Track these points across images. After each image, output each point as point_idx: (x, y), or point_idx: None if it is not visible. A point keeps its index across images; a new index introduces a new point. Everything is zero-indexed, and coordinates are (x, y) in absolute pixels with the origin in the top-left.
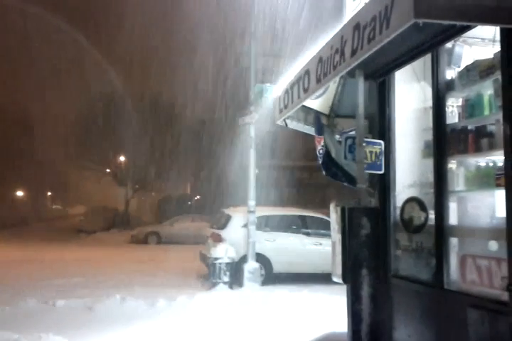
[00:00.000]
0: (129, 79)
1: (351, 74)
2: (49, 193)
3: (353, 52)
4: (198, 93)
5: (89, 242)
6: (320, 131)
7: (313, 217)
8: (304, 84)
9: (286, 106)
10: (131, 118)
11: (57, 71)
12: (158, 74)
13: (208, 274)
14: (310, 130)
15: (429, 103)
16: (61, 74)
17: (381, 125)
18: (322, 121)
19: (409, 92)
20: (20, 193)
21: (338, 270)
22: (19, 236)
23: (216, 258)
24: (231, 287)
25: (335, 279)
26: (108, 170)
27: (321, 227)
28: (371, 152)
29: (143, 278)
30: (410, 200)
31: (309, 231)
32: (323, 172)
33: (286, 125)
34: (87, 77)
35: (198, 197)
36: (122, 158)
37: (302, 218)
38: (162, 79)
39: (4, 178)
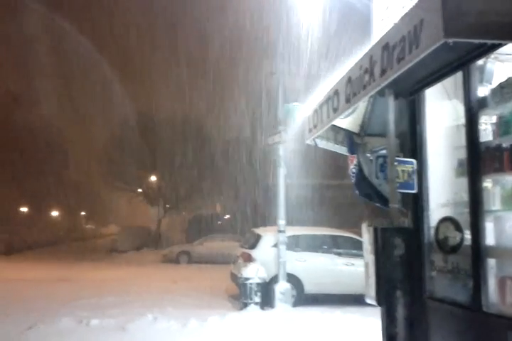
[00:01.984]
0: (159, 101)
1: (381, 93)
2: (83, 213)
3: (383, 72)
4: (227, 113)
5: (122, 261)
6: (352, 149)
7: (344, 236)
8: (333, 104)
9: (315, 126)
10: (163, 138)
11: (89, 92)
12: (187, 95)
13: (239, 294)
14: (340, 149)
15: (462, 121)
16: (93, 96)
17: (413, 143)
18: (354, 140)
19: (441, 110)
20: (55, 213)
21: (372, 291)
22: (54, 256)
23: (247, 278)
24: (262, 308)
25: (368, 301)
26: (140, 190)
27: (352, 247)
28: (403, 171)
29: (174, 297)
30: (445, 220)
31: (341, 251)
32: (357, 192)
33: (316, 144)
34: (119, 99)
35: (228, 216)
36: (154, 178)
37: (333, 238)
38: (191, 100)
39: (40, 199)
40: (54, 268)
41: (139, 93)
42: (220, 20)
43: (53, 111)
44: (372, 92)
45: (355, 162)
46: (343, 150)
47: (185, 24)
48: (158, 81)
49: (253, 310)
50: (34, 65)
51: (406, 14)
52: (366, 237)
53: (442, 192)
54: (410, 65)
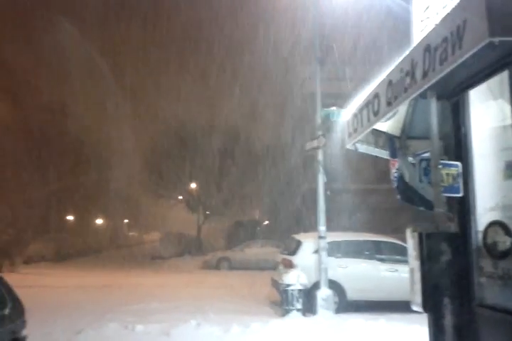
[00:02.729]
0: (199, 109)
1: (423, 95)
2: (126, 220)
3: (425, 74)
4: (265, 119)
5: (165, 268)
6: (394, 153)
7: (387, 242)
8: (374, 107)
9: (355, 130)
10: (203, 146)
11: (131, 101)
12: (225, 101)
13: (281, 301)
14: (381, 153)
15: (509, 121)
16: (135, 105)
17: (457, 146)
18: (395, 144)
19: (486, 111)
20: (99, 221)
21: (418, 298)
22: (99, 263)
23: (288, 285)
24: (304, 314)
25: (414, 308)
26: (180, 197)
27: (396, 253)
28: (448, 174)
29: (216, 303)
30: (493, 224)
31: (384, 257)
32: (398, 197)
33: (357, 149)
34: (160, 107)
35: (267, 222)
36: (194, 185)
37: (376, 243)
38: (230, 107)
39: (85, 207)
40: (99, 274)
41: (179, 102)
42: (256, 27)
43: (97, 121)
44: (414, 95)
45: (396, 166)
46: (384, 154)
47: (219, 32)
48: (198, 90)
49: (295, 316)
50: (76, 75)
51: (448, 15)
52: (411, 243)
53: (489, 195)
54: (453, 66)
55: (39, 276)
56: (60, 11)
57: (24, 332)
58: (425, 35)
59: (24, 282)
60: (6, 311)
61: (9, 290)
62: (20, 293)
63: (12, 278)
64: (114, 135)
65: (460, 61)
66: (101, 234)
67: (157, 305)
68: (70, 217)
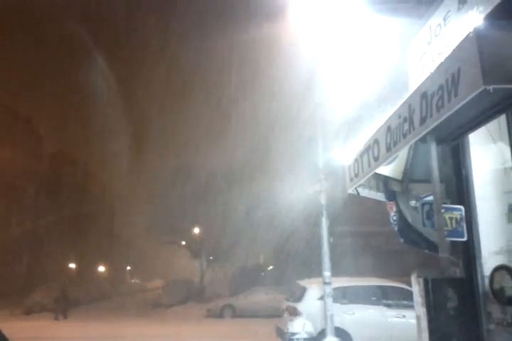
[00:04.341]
0: (201, 152)
1: (422, 140)
2: (128, 268)
3: (422, 121)
4: (267, 163)
5: (167, 317)
6: (390, 196)
7: (394, 287)
8: (374, 153)
9: (356, 175)
10: (204, 190)
11: (131, 147)
12: (227, 145)
13: None
14: (383, 197)
15: (509, 164)
16: (138, 152)
17: (459, 189)
18: (392, 187)
19: (486, 154)
20: (101, 268)
21: None
22: (100, 311)
23: (293, 334)
24: None
25: None
26: (183, 243)
27: (403, 298)
28: (451, 218)
29: None
30: (499, 269)
31: (391, 302)
32: (401, 240)
33: (358, 193)
34: (162, 153)
35: (272, 267)
36: (197, 231)
37: (382, 288)
38: (232, 151)
39: (86, 255)
40: (100, 324)
41: (181, 147)
42: (253, 71)
43: (98, 168)
44: (413, 141)
45: (394, 209)
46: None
47: (214, 68)
48: (201, 134)
49: None
50: (85, 125)
51: (443, 63)
52: (416, 289)
53: (494, 239)
54: (450, 112)
55: (40, 328)
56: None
57: None
58: (421, 82)
59: (24, 334)
60: None
61: None
62: None
63: (12, 330)
64: (117, 181)
65: (456, 108)
66: (103, 282)
67: None
68: (72, 265)
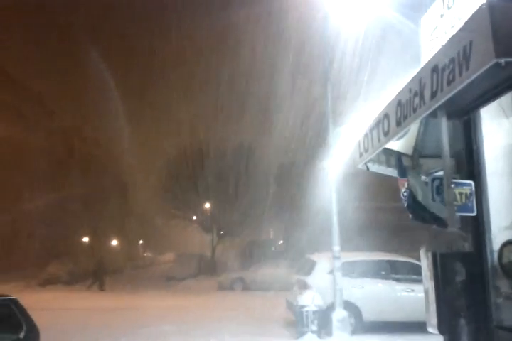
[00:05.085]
0: (210, 127)
1: (433, 114)
2: (140, 242)
3: (433, 95)
4: (278, 139)
5: (179, 289)
6: (403, 172)
7: (403, 261)
8: (384, 127)
9: (366, 150)
10: (216, 166)
11: (145, 123)
12: (238, 120)
13: (296, 322)
14: (393, 172)
15: None
16: (149, 127)
17: (469, 164)
18: (404, 163)
19: (498, 129)
20: (114, 242)
21: (433, 320)
22: (114, 284)
23: (303, 306)
24: (320, 336)
25: (430, 330)
26: (194, 218)
27: (412, 273)
28: (461, 193)
29: (232, 326)
30: (508, 243)
31: (400, 276)
32: (410, 216)
33: (368, 168)
34: (175, 128)
35: (281, 241)
36: (208, 206)
37: (391, 263)
38: (243, 126)
39: (99, 229)
40: (114, 296)
41: (193, 122)
42: (267, 46)
43: (112, 142)
44: (424, 115)
45: (406, 185)
46: (395, 173)
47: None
48: (210, 108)
49: (310, 338)
50: (97, 101)
51: (454, 36)
52: (425, 263)
53: (504, 214)
54: (461, 86)
55: (54, 299)
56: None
57: None
58: (433, 55)
59: (39, 305)
60: (22, 335)
61: (24, 314)
62: (35, 315)
63: (27, 301)
64: (130, 156)
65: (467, 81)
66: (116, 255)
67: (172, 327)
68: (86, 239)
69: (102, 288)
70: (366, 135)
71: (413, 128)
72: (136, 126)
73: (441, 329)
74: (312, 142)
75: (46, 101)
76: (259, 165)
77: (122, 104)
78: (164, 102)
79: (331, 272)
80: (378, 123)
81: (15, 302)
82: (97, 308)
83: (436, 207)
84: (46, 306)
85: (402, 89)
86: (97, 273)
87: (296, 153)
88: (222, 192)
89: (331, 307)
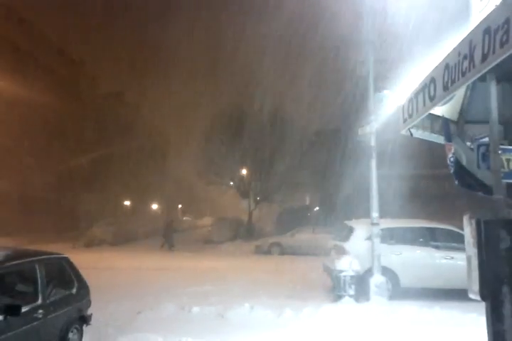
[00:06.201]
0: (249, 94)
1: (482, 78)
2: (179, 206)
3: (484, 58)
4: (317, 105)
5: (217, 252)
6: (450, 137)
7: (443, 229)
8: (430, 92)
9: (410, 116)
10: (254, 132)
11: (182, 89)
12: (277, 86)
13: (333, 286)
14: (437, 138)
15: None
16: (187, 93)
17: None
18: (451, 127)
19: None
20: (155, 206)
21: (475, 286)
22: (155, 246)
23: (340, 271)
24: (357, 300)
25: (471, 296)
26: (232, 183)
27: (452, 240)
28: (508, 160)
29: (269, 288)
30: None
31: (439, 244)
32: (456, 183)
33: (411, 134)
34: (213, 93)
35: (317, 208)
36: (244, 172)
37: (431, 230)
38: (281, 92)
39: (140, 193)
40: (156, 257)
41: (232, 87)
42: (307, 7)
43: (152, 109)
44: (473, 79)
45: (452, 151)
46: (440, 139)
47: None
48: (250, 74)
49: (347, 302)
50: (137, 64)
51: None
52: (468, 230)
53: None
54: None
55: (99, 259)
56: None
57: (89, 311)
58: (485, 16)
59: (86, 264)
60: (74, 291)
61: (76, 271)
62: (83, 274)
63: (75, 260)
64: (168, 123)
65: None
66: (157, 219)
67: (211, 288)
68: (128, 202)
69: (171, 248)
70: (411, 100)
71: (459, 93)
72: (176, 93)
73: (484, 296)
74: (351, 108)
75: (89, 67)
76: (296, 131)
77: (163, 70)
78: (203, 68)
79: (369, 238)
80: (424, 87)
81: (66, 260)
82: (139, 268)
83: (481, 174)
84: (92, 265)
85: (450, 52)
86: (166, 234)
87: (334, 119)
88: (259, 159)
89: (368, 273)
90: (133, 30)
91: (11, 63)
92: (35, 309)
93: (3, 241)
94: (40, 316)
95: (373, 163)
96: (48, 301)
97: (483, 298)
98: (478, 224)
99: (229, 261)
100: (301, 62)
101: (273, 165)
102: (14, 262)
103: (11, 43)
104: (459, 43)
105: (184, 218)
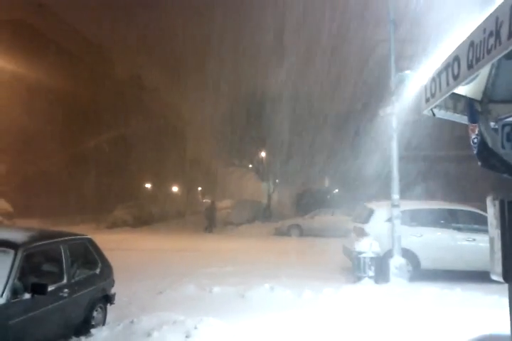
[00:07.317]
0: (267, 75)
1: (508, 56)
2: (199, 188)
3: (511, 34)
4: (336, 85)
5: (237, 233)
6: (473, 118)
7: (464, 210)
8: (454, 70)
9: (433, 95)
10: (273, 114)
11: (202, 72)
12: (296, 67)
13: (352, 268)
14: (460, 118)
15: None
16: (206, 76)
17: None
18: (475, 107)
19: None
20: (175, 189)
21: (498, 268)
22: (176, 228)
23: (360, 252)
24: (376, 282)
25: (494, 277)
26: (251, 166)
27: (473, 222)
28: None
29: (288, 269)
30: None
31: (460, 225)
32: (479, 164)
33: (434, 114)
34: (232, 76)
35: (337, 190)
36: (263, 154)
37: (452, 212)
38: (300, 73)
39: (162, 176)
40: (176, 239)
41: (251, 69)
42: None
43: (172, 93)
44: (499, 56)
45: (476, 131)
46: (463, 119)
47: None
48: (268, 56)
49: (367, 283)
50: (152, 53)
51: None
52: (491, 211)
53: None
54: None
55: (121, 240)
56: None
57: (113, 291)
58: None
59: (108, 245)
60: (98, 271)
61: (99, 252)
62: (106, 254)
63: (97, 242)
64: (188, 105)
65: None
66: (177, 201)
67: (231, 268)
68: (148, 185)
69: (210, 230)
70: (433, 79)
71: (484, 71)
72: (194, 75)
73: (507, 277)
74: (372, 88)
75: (108, 52)
76: (317, 112)
77: (183, 54)
78: (223, 50)
79: (389, 220)
80: (447, 66)
81: (90, 241)
82: (160, 249)
83: (507, 155)
84: (115, 246)
85: (475, 30)
86: (210, 216)
87: (354, 100)
88: (279, 141)
89: (388, 255)
90: (152, 13)
91: (31, 48)
92: (60, 288)
93: (28, 223)
94: (66, 295)
95: (394, 145)
96: (72, 281)
97: (506, 279)
98: (501, 205)
99: (248, 242)
100: (322, 43)
101: (292, 148)
102: (40, 243)
103: (30, 28)
104: (485, 20)
105: (204, 200)
